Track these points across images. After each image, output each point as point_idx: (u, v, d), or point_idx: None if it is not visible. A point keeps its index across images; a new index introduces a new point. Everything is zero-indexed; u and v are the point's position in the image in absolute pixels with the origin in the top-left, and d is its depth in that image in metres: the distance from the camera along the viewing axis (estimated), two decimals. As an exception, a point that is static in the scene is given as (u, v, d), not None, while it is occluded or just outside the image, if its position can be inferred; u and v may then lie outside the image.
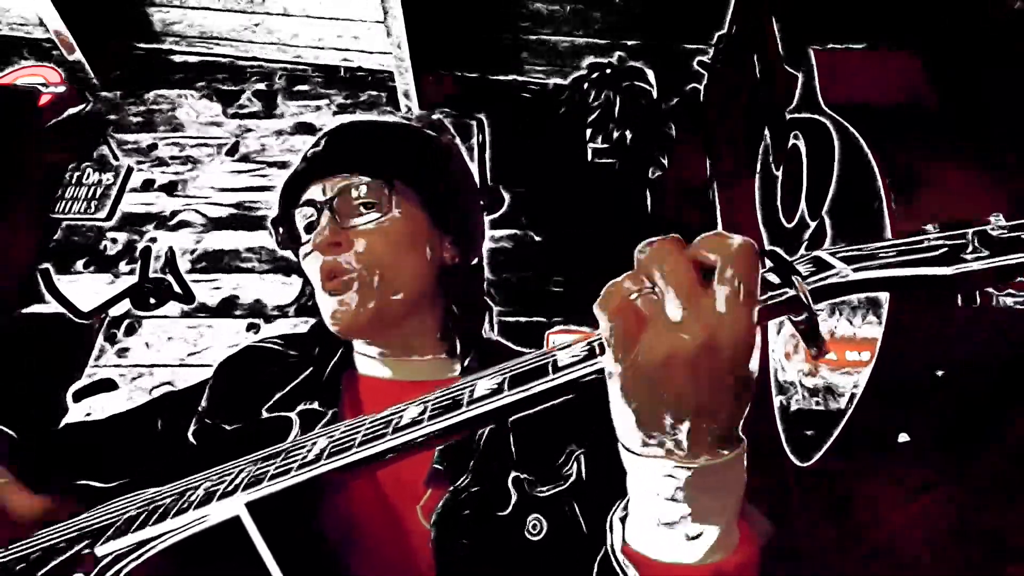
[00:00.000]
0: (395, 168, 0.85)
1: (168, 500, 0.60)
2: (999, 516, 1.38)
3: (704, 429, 0.44)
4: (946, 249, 0.43)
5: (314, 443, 0.58)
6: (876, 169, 1.51)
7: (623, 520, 0.53)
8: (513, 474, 0.71)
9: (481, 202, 1.07)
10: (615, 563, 0.51)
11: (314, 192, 0.85)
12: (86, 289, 2.45)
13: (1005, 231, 0.42)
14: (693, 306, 0.41)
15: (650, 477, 0.47)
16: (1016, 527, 1.34)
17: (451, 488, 0.70)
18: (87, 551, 0.58)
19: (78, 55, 2.76)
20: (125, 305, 2.44)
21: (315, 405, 0.78)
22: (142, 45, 2.93)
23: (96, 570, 0.56)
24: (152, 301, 2.45)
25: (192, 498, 0.58)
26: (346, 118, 3.11)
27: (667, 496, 0.46)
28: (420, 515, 0.70)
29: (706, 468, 0.45)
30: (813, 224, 1.79)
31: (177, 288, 2.48)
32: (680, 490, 0.46)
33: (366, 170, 0.84)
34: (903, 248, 0.44)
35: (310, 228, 0.84)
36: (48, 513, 0.69)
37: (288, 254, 0.92)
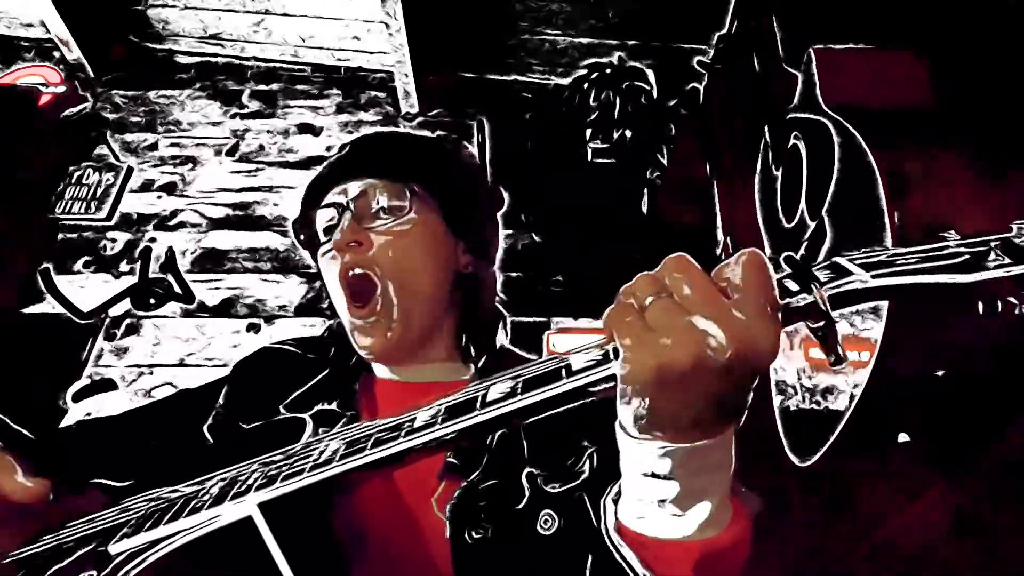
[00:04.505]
0: (415, 174, 0.87)
1: (181, 499, 0.60)
2: (999, 516, 1.38)
3: (709, 419, 0.46)
4: (967, 257, 0.42)
5: (327, 444, 0.58)
6: (876, 169, 1.51)
7: (616, 501, 0.54)
8: (527, 470, 0.72)
9: (497, 213, 1.09)
10: (609, 543, 0.52)
11: (335, 195, 0.87)
12: (86, 289, 2.45)
13: None
14: (722, 318, 0.42)
15: (646, 457, 0.48)
16: (1016, 527, 1.34)
17: (466, 482, 0.71)
18: (100, 549, 0.58)
19: (78, 55, 2.76)
20: (125, 305, 2.44)
21: (332, 406, 0.79)
22: (142, 45, 2.92)
23: (109, 568, 0.56)
24: (152, 301, 2.45)
25: (205, 497, 0.58)
26: (346, 118, 3.11)
27: (661, 474, 0.47)
28: (435, 507, 0.71)
29: (700, 447, 0.46)
30: (813, 224, 1.79)
31: (177, 288, 2.48)
32: (674, 468, 0.47)
33: (387, 175, 0.86)
34: (923, 255, 0.44)
35: (329, 231, 0.86)
36: (44, 500, 0.69)
37: (293, 256, 0.93)
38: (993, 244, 0.42)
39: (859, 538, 1.61)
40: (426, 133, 1.00)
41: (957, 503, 1.44)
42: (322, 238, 0.88)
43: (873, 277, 0.43)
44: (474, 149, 2.76)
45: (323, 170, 0.92)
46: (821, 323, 0.44)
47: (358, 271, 0.82)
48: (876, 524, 1.57)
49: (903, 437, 1.47)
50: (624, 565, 0.50)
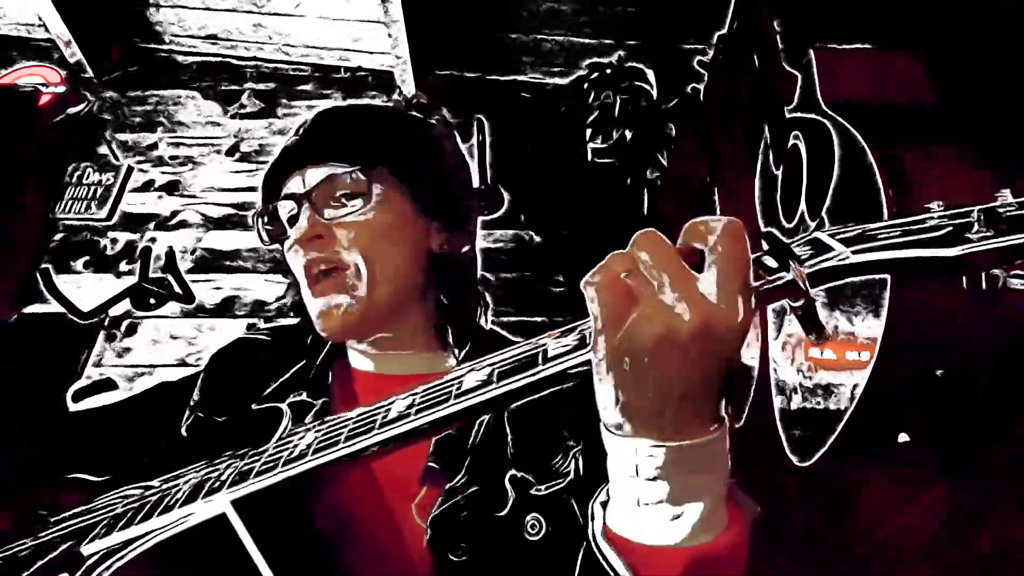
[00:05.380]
0: (375, 155, 0.82)
1: (154, 497, 0.59)
2: (999, 516, 1.38)
3: (689, 410, 0.44)
4: (950, 229, 0.41)
5: (301, 438, 0.58)
6: (876, 169, 1.51)
7: (604, 505, 0.51)
8: (511, 473, 0.69)
9: (473, 186, 1.04)
10: (596, 548, 0.49)
11: (294, 184, 0.83)
12: (86, 289, 2.45)
13: (1012, 208, 0.40)
14: (685, 291, 0.41)
15: (631, 457, 0.46)
16: (1017, 527, 1.34)
17: (448, 487, 0.69)
18: (73, 550, 0.57)
19: (78, 55, 2.76)
20: (125, 305, 2.44)
21: (305, 396, 0.77)
22: (142, 45, 2.92)
23: (82, 570, 0.55)
24: (152, 301, 2.45)
25: (178, 495, 0.57)
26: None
27: (648, 476, 0.45)
28: (415, 513, 0.69)
29: (687, 447, 0.44)
30: (813, 224, 1.78)
31: (177, 288, 2.48)
32: (661, 469, 0.45)
33: (345, 158, 0.81)
34: (905, 229, 0.43)
35: (293, 221, 0.82)
36: None
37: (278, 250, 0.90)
38: (976, 215, 0.40)
39: (859, 538, 1.61)
40: (387, 106, 0.95)
41: (957, 503, 1.44)
42: (287, 230, 0.84)
43: (854, 252, 0.42)
44: (474, 149, 2.76)
45: (279, 156, 0.87)
46: (801, 301, 0.42)
47: (323, 267, 0.79)
48: (876, 524, 1.57)
49: (903, 437, 1.47)
50: (610, 571, 0.48)
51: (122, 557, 0.54)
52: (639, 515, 0.47)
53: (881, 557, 1.54)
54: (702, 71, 2.72)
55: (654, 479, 0.45)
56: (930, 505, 1.47)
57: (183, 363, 2.37)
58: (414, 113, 0.99)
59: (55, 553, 0.58)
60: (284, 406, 0.70)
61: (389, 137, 0.89)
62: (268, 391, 0.79)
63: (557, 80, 2.89)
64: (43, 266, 2.46)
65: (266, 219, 0.86)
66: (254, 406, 0.77)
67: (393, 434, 0.51)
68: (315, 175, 0.81)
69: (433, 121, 0.98)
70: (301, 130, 0.89)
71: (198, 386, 0.85)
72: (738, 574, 0.49)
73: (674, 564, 0.46)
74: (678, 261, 0.42)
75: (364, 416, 0.55)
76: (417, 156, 0.88)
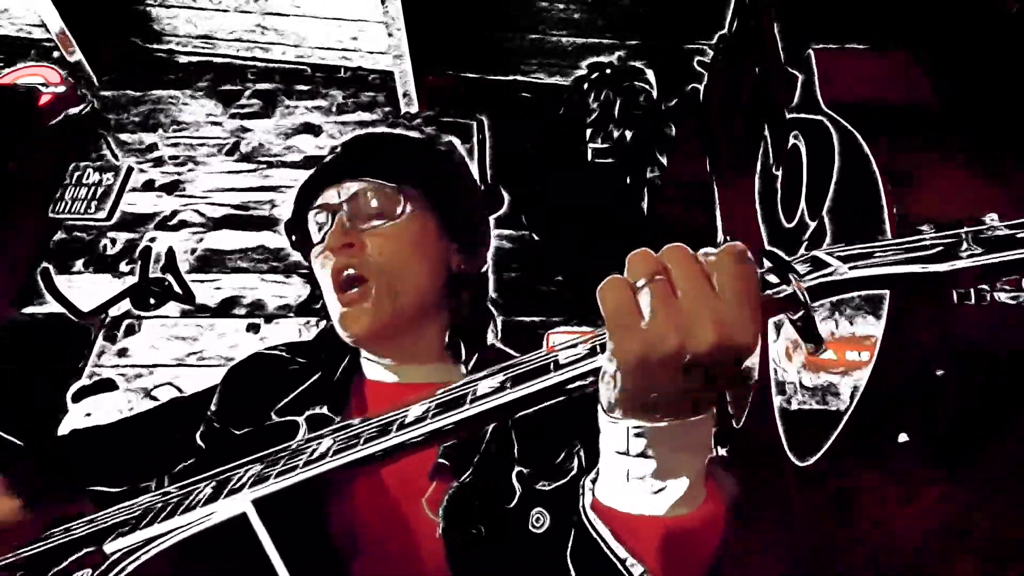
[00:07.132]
0: (406, 174, 0.88)
1: (176, 498, 0.60)
2: (999, 516, 1.38)
3: (685, 405, 0.48)
4: (941, 248, 0.44)
5: (320, 442, 0.59)
6: (875, 169, 1.51)
7: (593, 482, 0.56)
8: (516, 469, 0.73)
9: (489, 212, 1.11)
10: (585, 519, 0.53)
11: (328, 196, 0.88)
12: (86, 289, 2.45)
13: (998, 230, 0.44)
14: (708, 307, 0.44)
15: (622, 434, 0.50)
16: (1016, 527, 1.34)
17: (457, 482, 0.72)
18: (95, 548, 0.58)
19: (78, 55, 2.76)
20: (125, 305, 2.44)
21: (323, 410, 0.80)
22: (142, 45, 2.93)
23: (104, 566, 0.56)
24: (152, 301, 2.45)
25: (199, 496, 0.59)
26: (346, 118, 3.10)
27: (636, 452, 0.49)
28: (426, 507, 0.72)
29: (674, 427, 0.48)
30: (813, 224, 1.79)
31: (177, 288, 2.48)
32: (649, 447, 0.49)
33: (379, 176, 0.87)
34: (899, 247, 0.46)
35: (323, 231, 0.87)
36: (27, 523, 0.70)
37: (293, 256, 0.94)
38: (964, 235, 0.44)
39: (859, 538, 1.61)
40: (416, 134, 1.00)
41: (957, 503, 1.44)
42: (315, 239, 0.89)
43: (850, 269, 0.45)
44: (474, 149, 2.76)
45: (316, 171, 0.93)
46: (800, 313, 0.45)
47: (351, 272, 0.83)
48: (876, 524, 1.57)
49: (903, 437, 1.47)
50: (599, 540, 0.52)
51: (144, 554, 0.55)
52: (626, 488, 0.51)
53: (881, 557, 1.55)
54: (702, 71, 2.72)
55: (642, 455, 0.49)
56: (930, 505, 1.47)
57: (183, 363, 2.37)
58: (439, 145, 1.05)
59: (78, 551, 0.59)
60: (301, 420, 0.73)
61: (420, 160, 0.95)
62: (284, 404, 0.82)
63: (557, 80, 2.89)
64: (43, 266, 2.46)
65: (296, 228, 0.92)
66: (273, 418, 0.80)
67: (409, 438, 0.52)
68: (350, 188, 0.87)
69: (454, 154, 1.05)
70: (338, 149, 0.95)
71: (215, 398, 0.88)
72: (714, 546, 0.53)
73: (654, 532, 0.50)
74: (705, 280, 0.45)
75: (381, 421, 0.56)
76: (444, 180, 0.94)
